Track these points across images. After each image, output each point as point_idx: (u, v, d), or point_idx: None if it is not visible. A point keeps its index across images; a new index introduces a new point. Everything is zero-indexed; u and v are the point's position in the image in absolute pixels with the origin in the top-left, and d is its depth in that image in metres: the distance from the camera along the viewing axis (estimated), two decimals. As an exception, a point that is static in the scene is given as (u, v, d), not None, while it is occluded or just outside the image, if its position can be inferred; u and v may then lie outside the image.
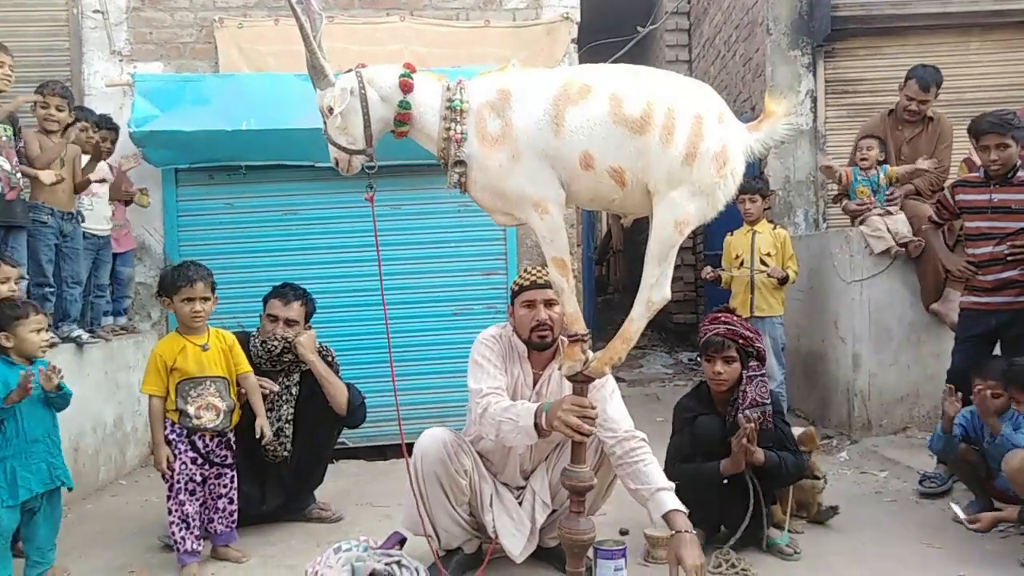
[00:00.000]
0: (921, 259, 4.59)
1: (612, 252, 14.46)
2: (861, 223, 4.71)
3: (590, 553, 2.49)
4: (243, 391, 3.21)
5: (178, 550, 2.99)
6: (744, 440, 2.84)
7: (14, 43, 4.03)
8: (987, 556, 3.00)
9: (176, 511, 3.00)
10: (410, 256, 4.97)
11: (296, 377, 3.46)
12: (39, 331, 2.84)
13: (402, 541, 2.85)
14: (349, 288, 4.87)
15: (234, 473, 3.17)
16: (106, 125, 4.55)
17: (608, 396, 2.76)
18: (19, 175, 3.64)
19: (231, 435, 3.16)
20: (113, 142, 4.60)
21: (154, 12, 5.23)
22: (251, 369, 3.23)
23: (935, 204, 4.10)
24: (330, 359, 3.50)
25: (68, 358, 3.86)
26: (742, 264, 4.79)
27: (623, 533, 3.19)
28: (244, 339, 3.37)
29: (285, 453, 3.42)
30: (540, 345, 2.80)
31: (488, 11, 5.45)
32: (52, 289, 3.87)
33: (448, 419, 4.46)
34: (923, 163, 4.67)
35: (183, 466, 3.02)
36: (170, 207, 5.00)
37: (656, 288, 2.27)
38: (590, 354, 2.38)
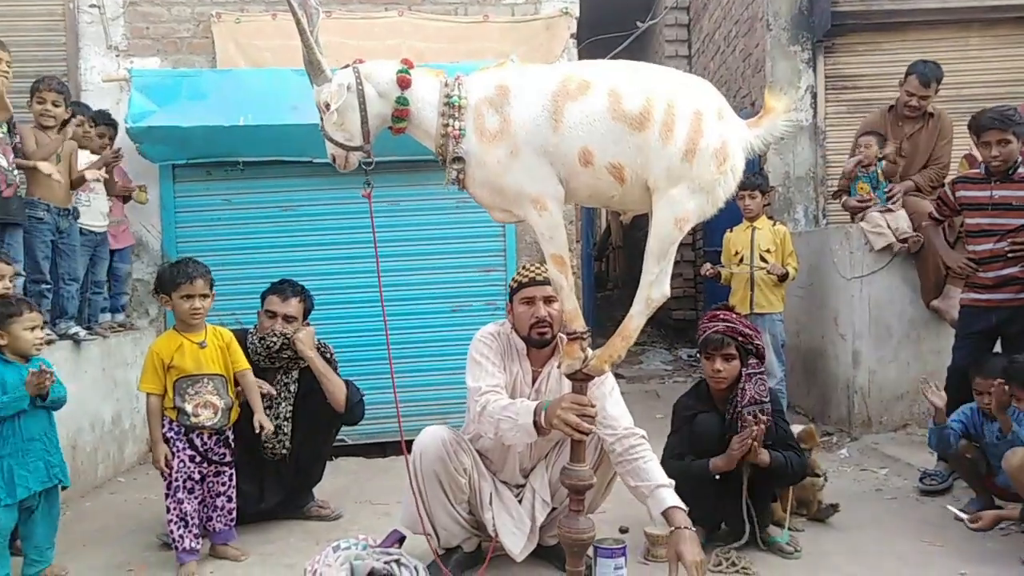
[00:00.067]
0: (921, 256, 4.58)
1: (611, 248, 14.44)
2: (861, 219, 4.70)
3: (590, 552, 2.49)
4: (241, 389, 3.20)
5: (177, 548, 2.98)
6: (751, 441, 2.83)
7: (10, 38, 4.02)
8: (988, 554, 2.99)
9: (174, 509, 2.99)
10: (409, 252, 4.95)
11: (295, 374, 3.45)
12: (33, 329, 2.83)
13: (401, 539, 2.85)
14: (347, 284, 4.86)
15: (232, 471, 3.16)
16: (104, 121, 4.54)
17: (607, 393, 2.75)
18: (15, 172, 3.62)
19: (229, 433, 3.15)
20: (112, 138, 4.58)
21: (151, 7, 5.21)
22: (249, 366, 3.22)
23: (935, 200, 4.08)
24: (328, 356, 3.49)
25: (65, 355, 3.85)
26: (742, 260, 4.78)
27: (623, 531, 3.18)
28: (242, 336, 3.36)
29: (284, 451, 3.41)
30: (540, 342, 2.79)
31: (487, 6, 5.43)
32: (49, 286, 3.85)
33: (447, 416, 4.46)
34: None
35: (181, 464, 3.01)
36: (167, 203, 4.98)
37: (655, 285, 2.26)
38: (589, 352, 2.36)
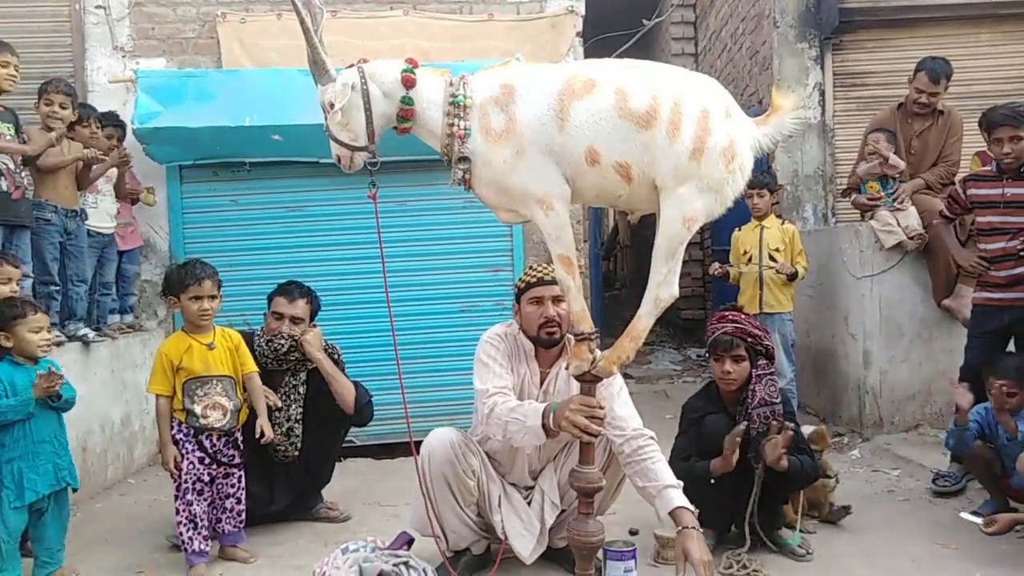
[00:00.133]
0: (932, 254, 4.54)
1: (619, 247, 14.40)
2: (871, 218, 4.66)
3: (600, 554, 2.47)
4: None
5: (186, 550, 2.98)
6: (781, 448, 2.81)
7: (17, 39, 4.02)
8: (1002, 557, 2.96)
9: (184, 511, 2.99)
10: (416, 253, 4.94)
11: (302, 376, 3.44)
12: (39, 331, 2.82)
13: (410, 542, 2.84)
14: (355, 285, 4.85)
15: (242, 473, 3.16)
16: (112, 122, 4.54)
17: (616, 394, 2.73)
18: (23, 174, 3.63)
19: (238, 435, 3.15)
20: (120, 139, 4.59)
21: (156, 7, 5.21)
22: (257, 370, 3.22)
23: (946, 199, 4.04)
24: (336, 357, 3.48)
25: (74, 357, 3.86)
26: (750, 260, 4.74)
27: (633, 533, 3.16)
28: (249, 337, 3.35)
29: (295, 452, 3.41)
30: (548, 342, 2.77)
31: (492, 5, 5.41)
32: (57, 287, 3.86)
33: (456, 416, 4.45)
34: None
35: (191, 466, 3.01)
36: (175, 204, 4.98)
37: (664, 286, 2.24)
38: (598, 353, 2.35)
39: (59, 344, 3.71)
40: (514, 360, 2.81)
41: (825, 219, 5.96)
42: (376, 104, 2.27)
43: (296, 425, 3.40)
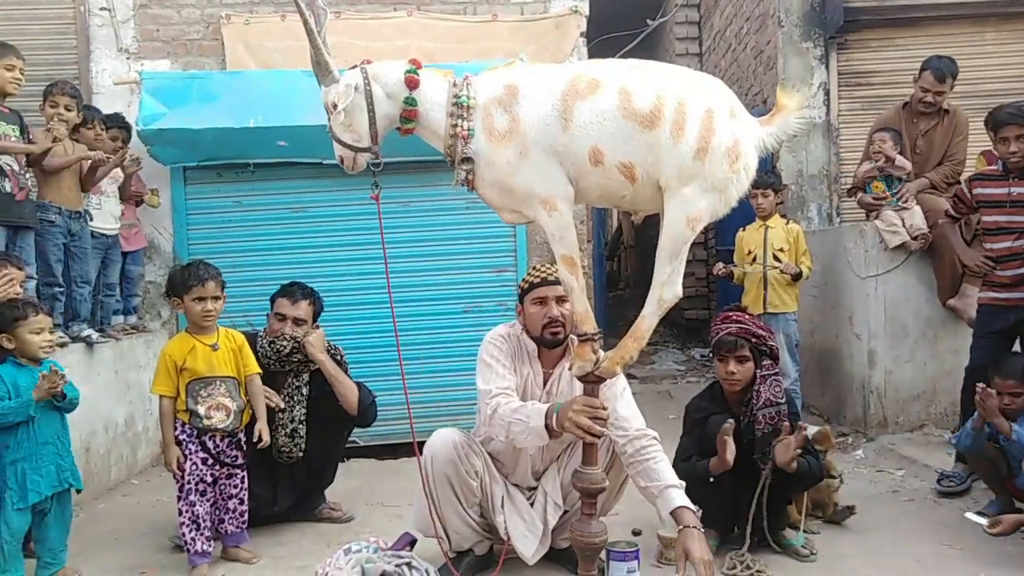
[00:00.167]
0: (937, 254, 4.52)
1: (623, 247, 14.38)
2: (876, 217, 4.64)
3: (603, 555, 2.46)
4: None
5: (188, 551, 2.98)
6: (795, 450, 2.81)
7: (21, 42, 4.04)
8: (1007, 557, 2.94)
9: (186, 512, 2.99)
10: (420, 253, 4.95)
11: (305, 377, 3.44)
12: (40, 332, 2.82)
13: (412, 542, 2.83)
14: (359, 286, 4.86)
15: (245, 474, 3.16)
16: (117, 124, 4.55)
17: (619, 394, 2.73)
18: (27, 175, 3.64)
19: (242, 435, 3.15)
20: (124, 141, 4.60)
21: (161, 9, 5.22)
22: (259, 371, 3.22)
23: (952, 198, 4.03)
24: (339, 358, 3.48)
25: (78, 358, 3.86)
26: (755, 260, 4.73)
27: (635, 534, 3.15)
28: (252, 339, 3.35)
29: (300, 453, 3.41)
30: (552, 342, 2.77)
31: (496, 5, 5.41)
32: (61, 289, 3.87)
33: (459, 417, 4.44)
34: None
35: (194, 467, 3.01)
36: (179, 205, 5.00)
37: (668, 286, 2.23)
38: (601, 353, 2.34)
39: (63, 345, 3.72)
40: (517, 361, 2.80)
41: (830, 219, 5.94)
42: (379, 105, 2.26)
43: (300, 426, 3.39)
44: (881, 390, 4.64)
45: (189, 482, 3.00)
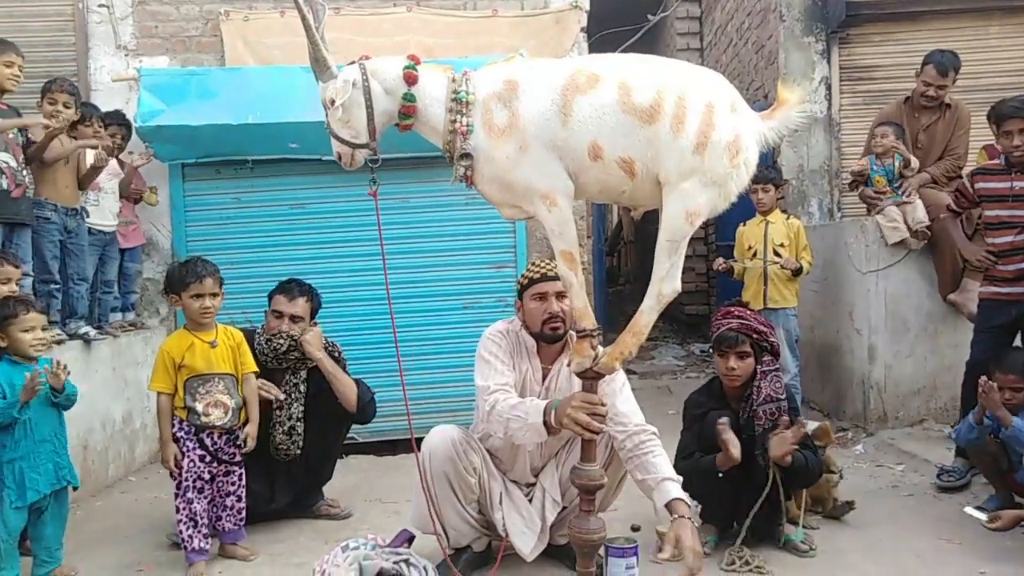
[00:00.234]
0: (938, 249, 4.51)
1: (623, 243, 14.36)
2: (878, 212, 4.63)
3: (601, 551, 2.45)
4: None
5: (186, 548, 2.98)
6: (790, 444, 2.80)
7: (20, 39, 4.02)
8: (1007, 552, 2.94)
9: (184, 509, 2.98)
10: (419, 250, 4.94)
11: (303, 374, 3.43)
12: (32, 330, 2.80)
13: (410, 539, 2.82)
14: (358, 282, 4.84)
15: (242, 471, 3.15)
16: (117, 121, 4.54)
17: (618, 390, 2.73)
18: (25, 172, 3.62)
19: (240, 432, 3.13)
20: (124, 138, 4.59)
21: (159, 6, 5.20)
22: (256, 370, 3.21)
23: (954, 192, 4.01)
24: (337, 355, 3.47)
25: (76, 355, 3.85)
26: (755, 255, 4.72)
27: (635, 529, 3.15)
28: (249, 336, 3.34)
29: (297, 451, 3.40)
30: (552, 338, 2.76)
31: (496, 0, 5.39)
32: (58, 286, 3.86)
33: (458, 413, 4.44)
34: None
35: (191, 464, 3.01)
36: (177, 202, 4.98)
37: (667, 280, 2.22)
38: (600, 349, 2.33)
39: (60, 342, 3.71)
40: (516, 357, 2.80)
41: (831, 214, 5.92)
42: (378, 101, 2.25)
43: (298, 424, 3.38)
44: (881, 385, 4.63)
45: (187, 479, 2.99)
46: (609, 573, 2.41)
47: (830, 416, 4.97)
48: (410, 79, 2.25)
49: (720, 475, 2.87)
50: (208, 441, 3.04)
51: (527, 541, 2.74)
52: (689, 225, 2.17)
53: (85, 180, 4.03)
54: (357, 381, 3.45)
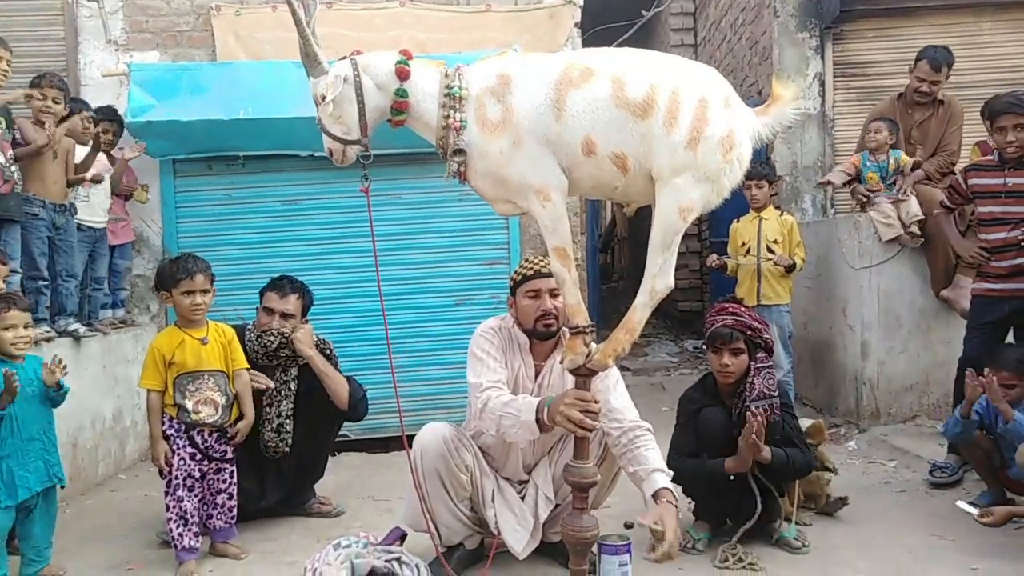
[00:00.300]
0: (931, 245, 4.51)
1: (617, 240, 14.38)
2: (871, 208, 4.63)
3: (594, 548, 2.44)
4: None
5: (176, 547, 2.95)
6: (752, 437, 2.78)
7: (9, 33, 3.99)
8: (1000, 548, 2.94)
9: (174, 507, 2.96)
10: (411, 246, 4.91)
11: (294, 372, 3.40)
12: (13, 328, 2.77)
13: (403, 537, 2.82)
14: (350, 279, 4.81)
15: (233, 468, 3.13)
16: (107, 116, 4.50)
17: (612, 386, 2.72)
18: (13, 168, 3.59)
19: (230, 430, 3.11)
20: (115, 134, 4.55)
21: (150, 0, 5.16)
22: (247, 366, 3.19)
23: (947, 188, 4.02)
24: (328, 352, 3.45)
25: (65, 352, 3.80)
26: (748, 251, 4.72)
27: (628, 527, 3.13)
28: (240, 333, 3.32)
29: (286, 449, 3.38)
30: (545, 335, 2.75)
31: (489, -5, 5.36)
32: (46, 283, 3.82)
33: (450, 410, 4.42)
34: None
35: (181, 462, 2.98)
36: (168, 198, 4.94)
37: (660, 277, 2.21)
38: (593, 346, 2.32)
39: (49, 339, 3.69)
40: (508, 354, 2.78)
41: (824, 210, 5.93)
42: (369, 96, 2.23)
43: (287, 421, 3.36)
44: (874, 381, 4.64)
45: (177, 477, 2.97)
46: (602, 571, 2.41)
47: (823, 412, 4.98)
48: (402, 74, 2.22)
49: (731, 478, 2.87)
50: (198, 439, 3.02)
51: (520, 539, 2.73)
52: (682, 221, 2.15)
53: (75, 180, 3.99)
54: (349, 379, 3.43)
